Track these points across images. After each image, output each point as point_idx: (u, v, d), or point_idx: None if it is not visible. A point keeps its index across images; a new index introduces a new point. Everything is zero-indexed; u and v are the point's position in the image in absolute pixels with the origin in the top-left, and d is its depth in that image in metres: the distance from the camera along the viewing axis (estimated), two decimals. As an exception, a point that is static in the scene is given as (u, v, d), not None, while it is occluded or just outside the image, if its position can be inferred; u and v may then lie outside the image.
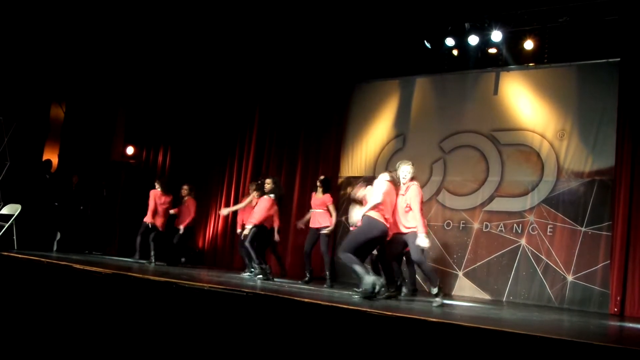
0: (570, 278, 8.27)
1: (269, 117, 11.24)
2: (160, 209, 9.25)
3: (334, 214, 8.08)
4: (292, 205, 10.24)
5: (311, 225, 8.17)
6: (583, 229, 8.32)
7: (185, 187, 9.56)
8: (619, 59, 8.15)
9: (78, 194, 10.22)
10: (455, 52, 9.66)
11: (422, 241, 5.82)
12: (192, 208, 9.44)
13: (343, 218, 9.55)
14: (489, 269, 8.86)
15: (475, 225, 9.09)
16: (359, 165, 10.47)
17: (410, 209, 6.01)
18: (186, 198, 9.47)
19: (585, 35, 8.55)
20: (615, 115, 8.08)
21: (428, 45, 9.66)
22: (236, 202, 10.56)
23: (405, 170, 6.21)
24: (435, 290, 5.86)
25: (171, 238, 9.34)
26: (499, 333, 3.64)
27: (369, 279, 5.65)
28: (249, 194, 9.18)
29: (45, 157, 10.42)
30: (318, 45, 10.43)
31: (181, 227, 9.26)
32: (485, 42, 9.25)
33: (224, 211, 9.69)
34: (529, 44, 9.03)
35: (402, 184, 6.17)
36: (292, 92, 10.94)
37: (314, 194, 8.30)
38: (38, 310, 4.78)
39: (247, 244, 7.76)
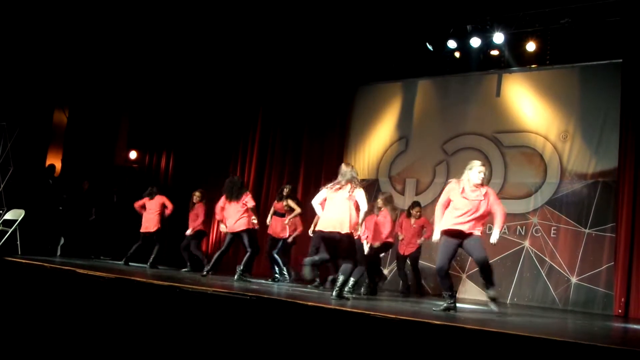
0: (574, 280, 8.25)
1: (271, 119, 11.24)
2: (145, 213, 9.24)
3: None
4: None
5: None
6: (587, 230, 8.30)
7: (196, 193, 9.43)
8: (621, 60, 8.13)
9: (88, 199, 10.23)
10: (457, 54, 9.66)
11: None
12: (201, 213, 9.32)
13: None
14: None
15: (479, 228, 9.06)
16: (361, 167, 10.44)
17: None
18: (196, 204, 9.36)
19: (588, 37, 8.54)
20: (618, 117, 8.06)
21: (430, 47, 9.66)
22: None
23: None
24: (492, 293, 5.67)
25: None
26: (503, 335, 3.63)
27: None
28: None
29: (48, 162, 10.44)
30: (321, 48, 10.44)
31: (187, 232, 9.23)
32: (488, 44, 9.25)
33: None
34: (531, 46, 9.03)
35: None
36: (295, 95, 10.95)
37: None
38: (42, 314, 4.78)
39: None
